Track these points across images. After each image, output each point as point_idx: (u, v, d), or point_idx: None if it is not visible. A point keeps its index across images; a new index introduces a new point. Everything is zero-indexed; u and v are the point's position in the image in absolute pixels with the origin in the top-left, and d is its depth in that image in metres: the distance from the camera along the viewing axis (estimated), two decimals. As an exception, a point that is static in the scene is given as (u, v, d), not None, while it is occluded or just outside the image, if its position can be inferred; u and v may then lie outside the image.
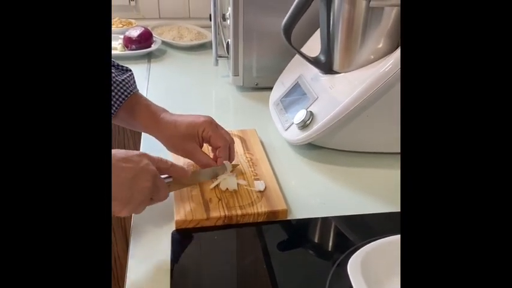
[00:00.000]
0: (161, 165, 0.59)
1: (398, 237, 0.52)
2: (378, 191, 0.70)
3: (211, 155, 0.70)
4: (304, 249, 0.60)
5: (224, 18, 1.06)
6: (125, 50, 1.24)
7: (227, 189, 0.65)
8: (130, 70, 0.73)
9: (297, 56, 0.86)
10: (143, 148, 0.79)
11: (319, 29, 0.81)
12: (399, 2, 0.70)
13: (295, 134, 0.77)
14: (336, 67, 0.79)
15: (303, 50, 0.84)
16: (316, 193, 0.69)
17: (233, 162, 0.70)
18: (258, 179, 0.68)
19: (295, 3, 0.76)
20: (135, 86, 0.72)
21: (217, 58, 1.08)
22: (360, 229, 0.63)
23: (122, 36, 1.25)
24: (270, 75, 0.98)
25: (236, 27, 0.95)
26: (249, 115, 0.94)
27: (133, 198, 0.53)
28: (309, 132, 0.75)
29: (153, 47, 1.26)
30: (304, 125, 0.76)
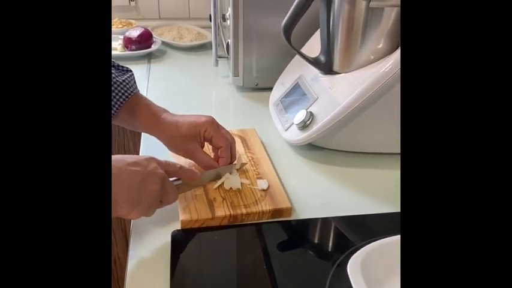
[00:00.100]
0: (170, 169, 0.59)
1: (398, 237, 0.52)
2: (377, 191, 0.70)
3: (212, 155, 0.70)
4: (304, 250, 0.60)
5: (224, 19, 1.06)
6: (124, 51, 1.24)
7: (231, 188, 0.66)
8: (131, 70, 0.73)
9: (297, 57, 0.86)
10: (143, 149, 0.79)
11: (319, 30, 0.81)
12: (399, 2, 0.70)
13: (295, 135, 0.77)
14: (335, 67, 0.79)
15: (303, 50, 0.84)
16: (316, 193, 0.69)
17: (242, 161, 0.71)
18: (260, 178, 0.68)
19: (295, 3, 0.76)
20: (136, 87, 0.72)
21: (217, 58, 1.08)
22: (360, 229, 0.63)
23: (121, 37, 1.25)
24: (270, 75, 0.98)
25: (236, 28, 0.95)
26: (249, 115, 0.94)
27: (142, 201, 0.54)
28: (309, 133, 0.75)
29: (153, 47, 1.26)
30: (304, 126, 0.76)
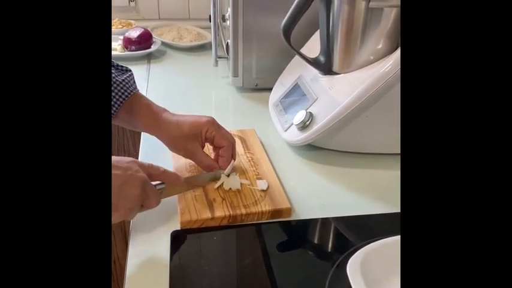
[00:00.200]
0: (152, 172, 0.58)
1: (397, 238, 0.52)
2: (377, 192, 0.70)
3: (212, 156, 0.70)
4: (303, 250, 0.60)
5: (224, 19, 1.06)
6: (124, 51, 1.24)
7: (230, 188, 0.66)
8: (130, 70, 0.73)
9: (297, 57, 0.86)
10: (143, 148, 0.79)
11: (318, 30, 0.81)
12: (399, 2, 0.70)
13: (295, 135, 0.77)
14: (335, 68, 0.79)
15: (303, 50, 0.84)
16: (316, 194, 0.69)
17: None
18: (260, 178, 0.68)
19: (294, 4, 0.76)
20: (135, 86, 0.72)
21: (217, 59, 1.08)
22: (360, 230, 0.63)
23: (121, 37, 1.25)
24: (269, 76, 0.98)
25: (236, 28, 0.95)
26: (249, 116, 0.94)
27: (122, 205, 0.53)
28: (309, 133, 0.75)
29: (153, 47, 1.26)
30: (303, 126, 0.76)
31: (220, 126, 0.69)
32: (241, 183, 0.66)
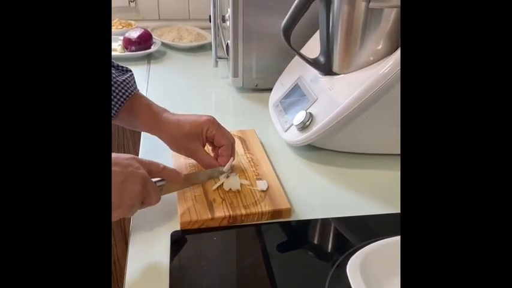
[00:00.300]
0: (153, 168, 0.58)
1: (397, 238, 0.52)
2: (377, 192, 0.70)
3: (212, 155, 0.70)
4: (303, 250, 0.60)
5: (224, 20, 1.06)
6: (124, 51, 1.24)
7: (230, 189, 0.66)
8: (131, 70, 0.73)
9: (297, 57, 0.86)
10: (143, 148, 0.79)
11: (318, 31, 0.81)
12: (399, 3, 0.70)
13: (295, 135, 0.77)
14: (335, 68, 0.79)
15: (303, 51, 0.84)
16: (316, 194, 0.69)
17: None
18: (260, 179, 0.68)
19: (294, 4, 0.77)
20: (136, 86, 0.72)
21: (217, 59, 1.08)
22: (359, 230, 0.63)
23: (121, 38, 1.25)
24: (269, 76, 0.98)
25: (236, 29, 0.95)
26: (249, 116, 0.94)
27: (122, 202, 0.53)
28: (309, 134, 0.75)
29: (153, 48, 1.26)
30: (303, 126, 0.76)
31: (220, 125, 0.69)
32: (241, 184, 0.67)
